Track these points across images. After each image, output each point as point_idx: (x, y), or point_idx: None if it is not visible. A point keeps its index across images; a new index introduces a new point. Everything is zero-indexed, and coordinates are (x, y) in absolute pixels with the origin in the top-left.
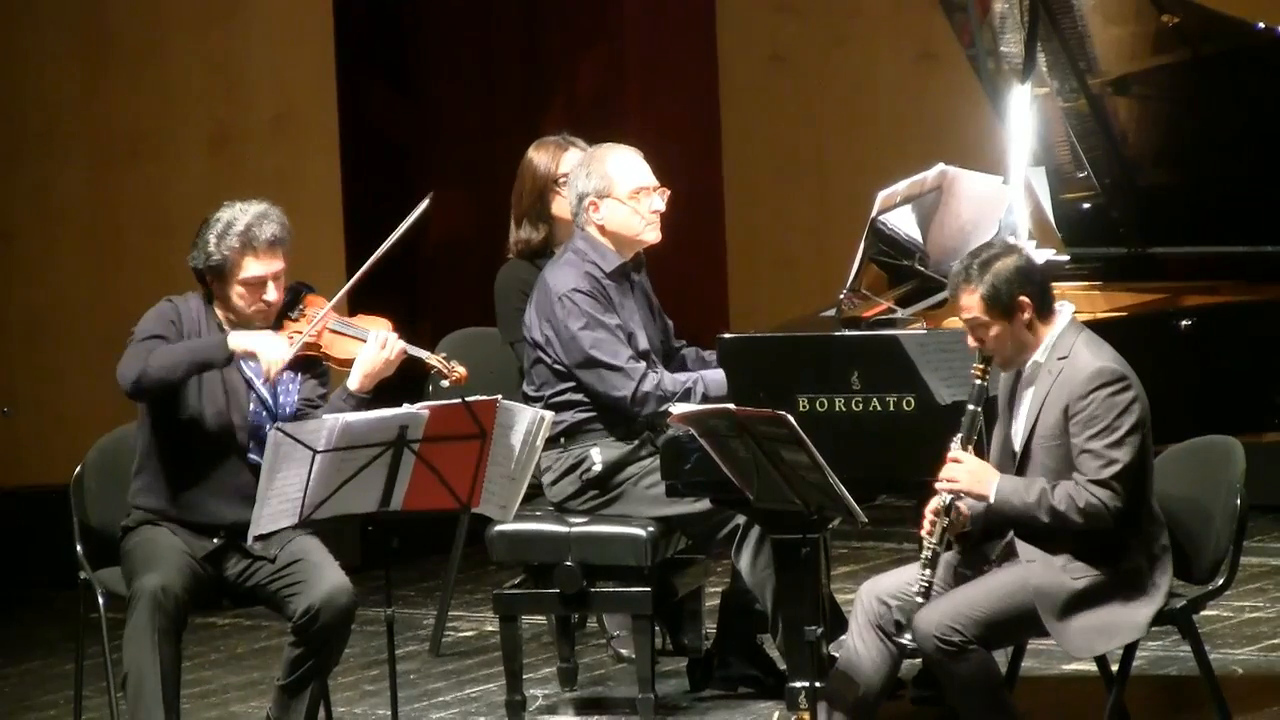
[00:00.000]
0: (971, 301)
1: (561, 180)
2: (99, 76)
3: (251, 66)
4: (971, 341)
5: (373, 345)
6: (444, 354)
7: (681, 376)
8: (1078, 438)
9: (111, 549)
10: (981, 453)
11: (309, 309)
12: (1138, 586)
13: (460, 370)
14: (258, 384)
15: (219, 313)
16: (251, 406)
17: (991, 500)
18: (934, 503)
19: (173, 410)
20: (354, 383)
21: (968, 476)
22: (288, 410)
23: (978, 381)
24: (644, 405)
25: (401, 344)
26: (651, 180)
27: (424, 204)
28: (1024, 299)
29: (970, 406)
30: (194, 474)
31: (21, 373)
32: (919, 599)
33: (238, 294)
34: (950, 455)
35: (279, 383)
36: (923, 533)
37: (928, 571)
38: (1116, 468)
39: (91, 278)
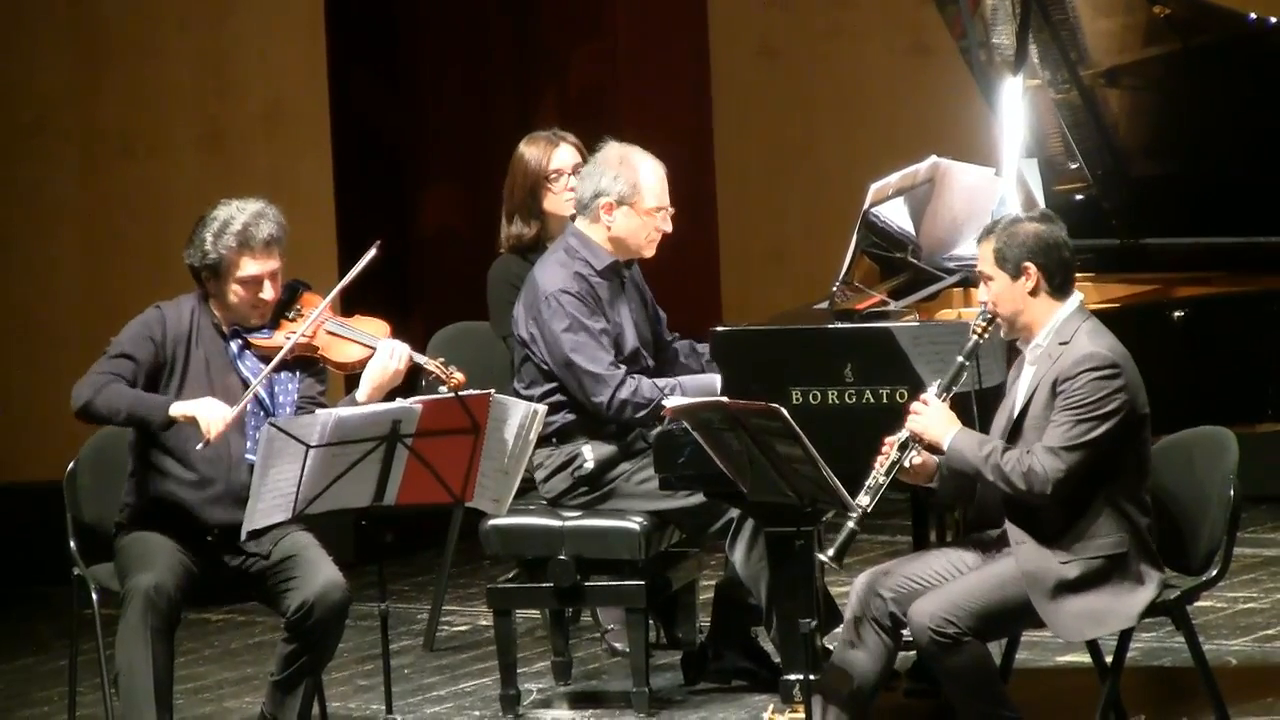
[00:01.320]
0: (985, 252)
1: (553, 175)
2: (91, 74)
3: (243, 63)
4: (980, 292)
5: (382, 355)
6: (442, 359)
7: (660, 382)
8: (1055, 410)
9: (105, 545)
10: (972, 421)
11: (306, 308)
12: (1128, 576)
13: (459, 375)
14: (255, 383)
15: (215, 311)
16: (249, 407)
17: (945, 449)
18: (893, 436)
19: None
20: (363, 394)
21: (927, 421)
22: (286, 411)
23: (974, 336)
24: (620, 412)
25: (408, 350)
26: (668, 201)
27: (371, 253)
28: (1029, 265)
29: (959, 358)
30: (189, 474)
31: (15, 369)
32: (850, 524)
33: (234, 292)
34: (921, 397)
35: (276, 382)
36: (877, 460)
37: (865, 499)
38: (1073, 442)
39: (84, 275)
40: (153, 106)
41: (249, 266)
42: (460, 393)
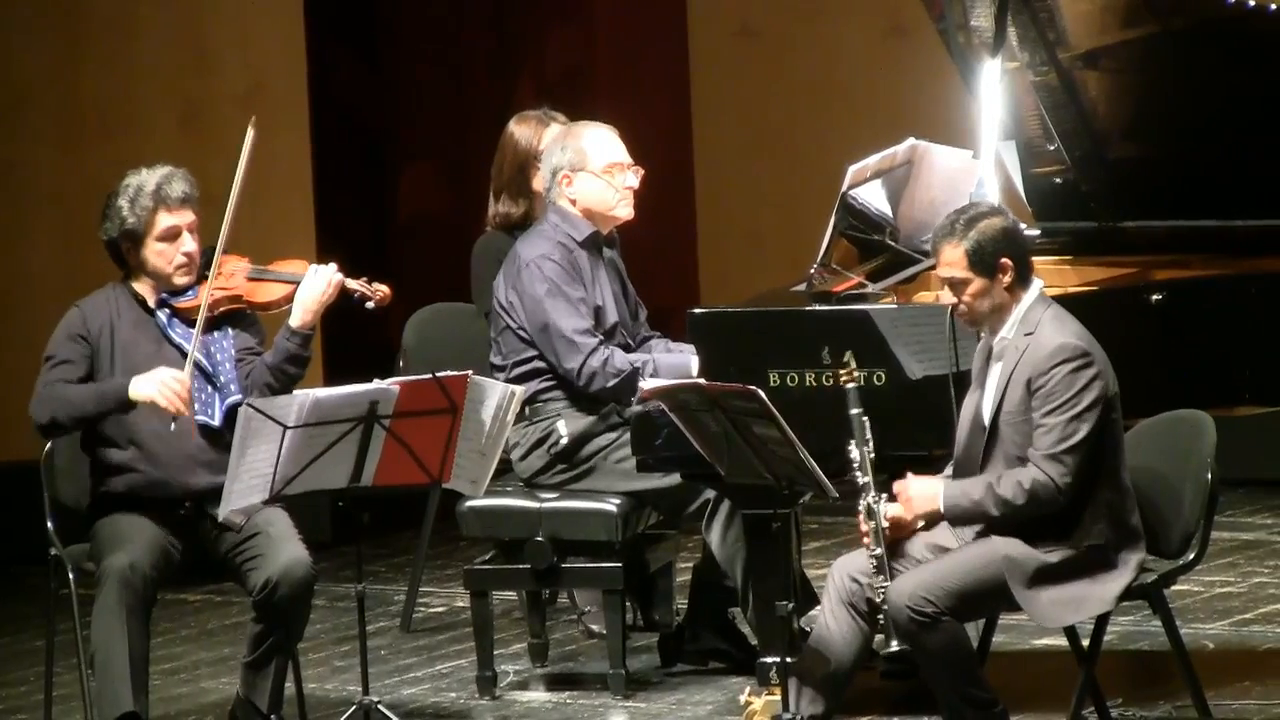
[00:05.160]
0: (955, 256)
1: (542, 155)
2: (69, 51)
3: (221, 42)
4: (947, 297)
5: (310, 279)
6: (365, 277)
7: (633, 356)
8: (1036, 412)
9: (83, 525)
10: (951, 403)
11: (225, 265)
12: (1107, 561)
13: (383, 288)
14: (188, 347)
15: (138, 288)
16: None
17: (941, 509)
18: (861, 511)
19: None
20: (296, 319)
21: (912, 503)
22: (227, 368)
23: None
24: (590, 381)
25: (338, 274)
26: (625, 157)
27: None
28: (1006, 260)
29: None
30: (145, 450)
31: None
32: (882, 606)
33: (156, 252)
34: (895, 487)
35: (210, 341)
36: (865, 543)
37: (880, 577)
38: (1070, 443)
39: (61, 252)
40: (131, 85)
41: (166, 220)
42: (438, 374)
